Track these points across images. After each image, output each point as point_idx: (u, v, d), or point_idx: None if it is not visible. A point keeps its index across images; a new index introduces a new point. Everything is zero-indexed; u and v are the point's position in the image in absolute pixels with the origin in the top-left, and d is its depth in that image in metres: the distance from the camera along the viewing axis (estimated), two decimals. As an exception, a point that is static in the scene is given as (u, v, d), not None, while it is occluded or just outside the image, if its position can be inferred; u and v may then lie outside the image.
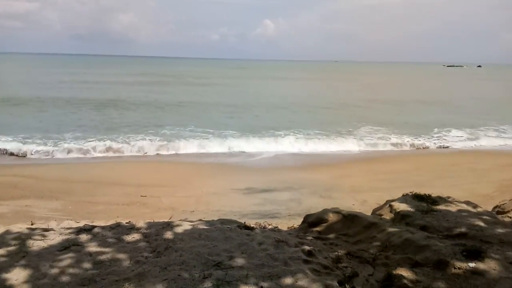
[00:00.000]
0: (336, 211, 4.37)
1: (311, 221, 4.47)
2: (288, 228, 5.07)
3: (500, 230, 3.70)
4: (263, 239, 3.41)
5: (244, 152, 13.37)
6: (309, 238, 3.96)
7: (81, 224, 4.14)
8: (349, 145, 14.50)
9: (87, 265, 2.89)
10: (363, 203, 8.08)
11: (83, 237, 3.42)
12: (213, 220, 4.00)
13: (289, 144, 14.36)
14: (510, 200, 4.92)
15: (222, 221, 3.89)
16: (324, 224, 4.30)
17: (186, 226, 3.63)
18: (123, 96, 27.69)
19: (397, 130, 17.15)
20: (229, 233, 3.47)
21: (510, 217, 4.53)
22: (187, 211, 6.98)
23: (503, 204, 4.89)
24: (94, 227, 3.66)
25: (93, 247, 3.18)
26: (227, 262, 2.92)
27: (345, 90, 39.38)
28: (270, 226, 4.84)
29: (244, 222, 4.65)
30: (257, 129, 16.84)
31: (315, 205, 7.65)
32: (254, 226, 4.32)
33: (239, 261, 2.94)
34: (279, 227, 5.09)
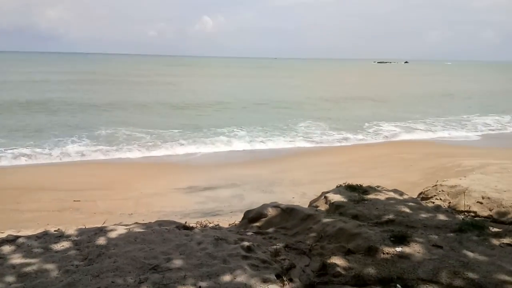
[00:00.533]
0: (275, 206, 4.44)
1: (251, 217, 4.51)
2: (229, 225, 5.08)
3: (423, 215, 3.99)
4: (202, 238, 3.38)
5: (186, 151, 13.16)
6: (249, 233, 3.98)
7: (5, 234, 3.82)
8: (289, 140, 14.84)
9: (10, 278, 2.67)
10: (302, 196, 8.32)
11: (6, 248, 3.16)
12: (151, 222, 3.88)
13: (232, 141, 14.38)
14: (433, 186, 5.33)
15: (160, 223, 3.79)
16: (264, 219, 4.36)
17: (121, 230, 3.49)
18: (51, 96, 25.88)
19: (334, 125, 17.86)
20: (167, 234, 3.39)
21: (433, 202, 4.91)
22: (125, 214, 6.72)
23: (426, 191, 5.28)
24: (18, 237, 3.39)
25: (17, 259, 2.95)
26: (165, 264, 2.85)
27: (284, 86, 40.20)
28: (211, 225, 4.81)
29: (186, 222, 4.58)
30: (199, 127, 16.66)
31: (257, 200, 7.75)
32: (194, 225, 4.26)
33: (177, 262, 2.89)
34: (220, 224, 5.09)
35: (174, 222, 3.89)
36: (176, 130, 15.86)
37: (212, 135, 15.29)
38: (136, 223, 3.87)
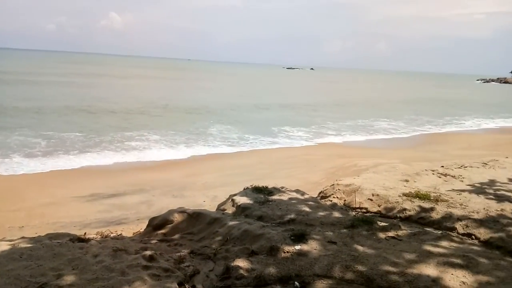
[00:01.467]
0: (181, 211, 4.35)
1: (157, 224, 4.36)
2: (133, 234, 4.84)
3: (321, 213, 4.24)
4: (99, 250, 3.15)
5: (87, 156, 12.25)
6: (154, 241, 3.84)
7: None
8: (201, 144, 14.72)
9: None
10: (213, 199, 8.29)
11: None
12: (40, 236, 3.52)
13: (140, 146, 13.79)
14: (331, 185, 5.69)
15: (51, 236, 3.46)
16: (170, 225, 4.24)
17: (4, 246, 3.10)
18: None
19: (245, 129, 18.14)
20: (58, 248, 3.09)
21: (331, 201, 5.25)
22: (14, 228, 6.01)
23: (325, 190, 5.63)
24: None
25: None
26: (54, 281, 2.60)
27: (198, 90, 39.86)
28: (112, 234, 4.53)
29: (84, 233, 4.25)
30: (103, 131, 15.66)
31: (167, 206, 7.51)
32: (93, 236, 3.97)
33: (69, 278, 2.65)
34: (124, 233, 4.82)
35: (68, 235, 3.58)
36: (80, 134, 14.72)
37: (120, 139, 14.49)
38: (23, 237, 3.47)
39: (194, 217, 4.19)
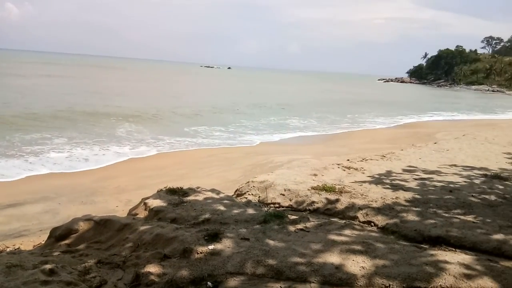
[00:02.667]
0: (88, 219, 4.07)
1: (60, 234, 4.02)
2: (34, 246, 4.41)
3: (235, 211, 4.29)
4: (-12, 269, 2.81)
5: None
6: (56, 253, 3.54)
7: None
8: (114, 146, 13.93)
9: None
10: (127, 203, 7.90)
11: None
12: None
13: (43, 150, 12.60)
14: (246, 183, 5.80)
15: None
16: (74, 235, 3.94)
17: None
18: None
19: (160, 130, 17.56)
20: None
21: (246, 198, 5.34)
22: None
23: (241, 187, 5.71)
24: None
25: None
26: None
27: (102, 89, 37.65)
28: (9, 249, 4.08)
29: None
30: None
31: (75, 213, 6.97)
32: (-17, 254, 3.53)
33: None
34: (22, 247, 4.38)
35: (-50, 255, 3.13)
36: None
37: (19, 143, 13.09)
38: None
39: (102, 224, 3.95)
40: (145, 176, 10.35)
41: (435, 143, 11.49)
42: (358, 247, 3.28)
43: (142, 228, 3.72)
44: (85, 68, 79.88)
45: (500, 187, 5.74)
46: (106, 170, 11.13)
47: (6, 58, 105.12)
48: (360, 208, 4.48)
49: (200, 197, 4.73)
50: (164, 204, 4.40)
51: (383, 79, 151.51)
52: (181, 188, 4.99)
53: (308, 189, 5.19)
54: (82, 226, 3.96)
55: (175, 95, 35.23)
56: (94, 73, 64.62)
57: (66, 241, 3.84)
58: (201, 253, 3.17)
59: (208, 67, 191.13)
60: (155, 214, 4.23)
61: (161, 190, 4.99)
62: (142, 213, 4.40)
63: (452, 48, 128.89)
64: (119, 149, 13.54)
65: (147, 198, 4.70)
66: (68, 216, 6.93)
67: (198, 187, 5.21)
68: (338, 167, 6.82)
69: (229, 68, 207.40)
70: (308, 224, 3.90)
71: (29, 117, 18.09)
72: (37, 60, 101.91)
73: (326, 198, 4.83)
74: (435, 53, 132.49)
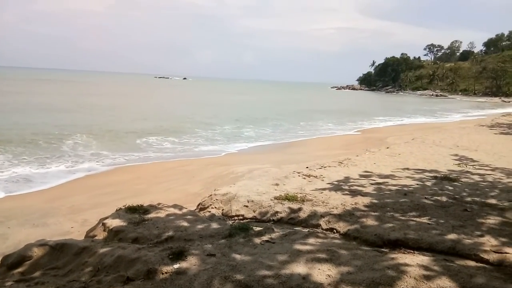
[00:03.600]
0: (42, 244, 3.83)
1: (12, 262, 3.75)
2: (-19, 277, 4.07)
3: (199, 226, 4.22)
4: None
5: None
6: (9, 283, 3.29)
7: None
8: (60, 162, 13.24)
9: None
10: (83, 224, 7.54)
11: None
12: None
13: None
14: (209, 196, 5.73)
15: None
16: (28, 262, 3.69)
17: None
18: None
19: (108, 144, 16.92)
20: None
21: (209, 212, 5.28)
22: None
23: (204, 201, 5.63)
24: None
25: None
26: None
27: (50, 103, 35.97)
28: (-48, 283, 3.73)
29: None
30: None
31: (26, 238, 6.54)
32: None
33: None
34: (-32, 279, 4.02)
35: None
36: None
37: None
38: None
39: (58, 249, 3.74)
40: (100, 194, 9.95)
41: (387, 148, 12.01)
42: (323, 255, 3.34)
43: (102, 250, 3.56)
44: (30, 83, 75.93)
45: (450, 188, 6.09)
46: (57, 189, 10.57)
47: None
48: (322, 216, 4.57)
49: (162, 214, 4.61)
50: (124, 224, 4.24)
51: (336, 87, 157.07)
52: (142, 206, 4.84)
53: (271, 199, 5.22)
54: (36, 252, 3.72)
55: (125, 106, 34.31)
56: (39, 88, 61.48)
57: (20, 269, 3.59)
58: (166, 273, 3.08)
59: (163, 77, 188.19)
60: (115, 234, 4.06)
61: (120, 208, 4.81)
62: (101, 234, 4.21)
63: (398, 55, 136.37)
64: (69, 166, 12.92)
65: (106, 218, 4.51)
66: (19, 241, 6.50)
67: (159, 204, 5.07)
68: (299, 175, 6.93)
69: (184, 78, 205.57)
70: (273, 235, 3.92)
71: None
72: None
73: (289, 208, 4.88)
74: (382, 61, 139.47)
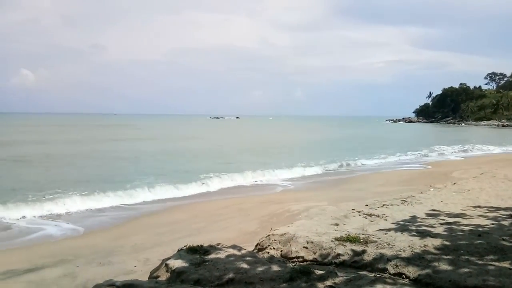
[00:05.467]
0: (110, 284, 3.95)
1: (82, 302, 3.89)
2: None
3: (260, 269, 4.14)
4: None
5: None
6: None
7: None
8: (124, 199, 13.92)
9: None
10: (145, 263, 7.74)
11: None
12: None
13: (58, 203, 12.61)
14: (267, 236, 5.65)
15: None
16: (97, 302, 3.80)
17: None
18: None
19: (177, 180, 17.53)
20: None
21: (268, 253, 5.18)
22: None
23: (261, 241, 5.55)
24: None
25: None
26: None
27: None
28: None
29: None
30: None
31: (93, 276, 6.84)
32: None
33: None
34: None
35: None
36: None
37: (33, 198, 13.15)
38: None
39: (125, 290, 3.82)
40: (161, 233, 10.22)
41: (454, 183, 11.25)
42: (394, 304, 3.10)
43: (166, 292, 3.59)
44: (85, 129, 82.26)
45: (531, 228, 5.50)
46: (119, 227, 11.03)
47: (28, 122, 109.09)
48: (388, 259, 4.29)
49: (221, 255, 4.59)
50: (186, 265, 4.28)
51: (391, 120, 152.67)
52: (202, 246, 4.86)
53: (332, 240, 5.02)
54: (105, 293, 3.83)
55: (181, 147, 35.71)
56: (98, 133, 66.35)
57: (88, 310, 3.71)
58: (229, 318, 3.02)
59: (215, 118, 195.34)
60: (177, 275, 4.10)
61: (182, 249, 4.86)
62: (163, 275, 4.27)
63: (456, 85, 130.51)
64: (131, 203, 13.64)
65: (168, 258, 4.58)
66: (86, 279, 6.80)
67: (218, 244, 5.08)
68: (359, 215, 6.65)
69: (237, 117, 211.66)
70: (337, 280, 3.73)
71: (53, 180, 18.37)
72: (52, 123, 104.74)
73: (352, 250, 4.66)
74: (439, 91, 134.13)
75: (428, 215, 6.34)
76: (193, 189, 15.92)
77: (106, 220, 11.77)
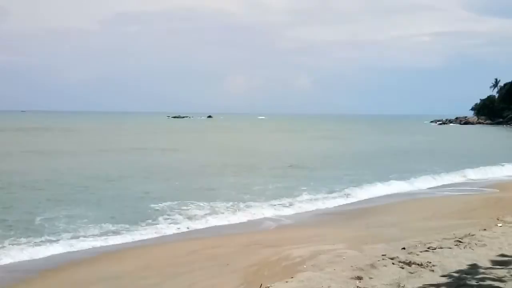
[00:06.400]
0: None
1: None
2: None
3: None
4: None
5: None
6: None
7: None
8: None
9: None
10: None
11: None
12: None
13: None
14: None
15: None
16: None
17: None
18: None
19: (105, 214, 17.28)
20: None
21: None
22: None
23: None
24: None
25: None
26: None
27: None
28: None
29: None
30: None
31: None
32: None
33: None
34: None
35: None
36: None
37: None
38: None
39: None
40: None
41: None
42: None
43: None
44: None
45: None
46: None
47: None
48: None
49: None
50: None
51: (438, 121, 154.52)
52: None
53: (353, 304, 5.00)
54: None
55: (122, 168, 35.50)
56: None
57: None
58: None
59: (178, 117, 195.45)
60: None
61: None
62: None
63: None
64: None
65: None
66: None
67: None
68: (393, 263, 6.68)
69: (209, 116, 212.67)
70: None
71: None
72: None
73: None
74: (510, 79, 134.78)
75: (496, 263, 6.39)
76: (144, 231, 15.65)
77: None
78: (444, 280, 5.80)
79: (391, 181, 25.41)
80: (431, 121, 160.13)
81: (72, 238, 14.45)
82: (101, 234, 14.94)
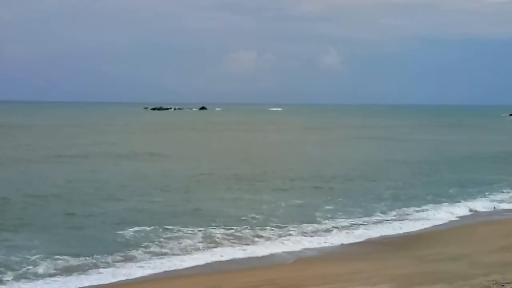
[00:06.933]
0: None
1: None
2: None
3: None
4: None
5: None
6: None
7: None
8: None
9: None
10: None
11: None
12: None
13: None
14: None
15: None
16: None
17: None
18: None
19: (64, 247, 17.18)
20: None
21: None
22: None
23: None
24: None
25: None
26: None
27: None
28: None
29: None
30: None
31: None
32: None
33: None
34: None
35: None
36: None
37: None
38: None
39: None
40: None
41: None
42: None
43: None
44: None
45: None
46: None
47: None
48: None
49: None
50: None
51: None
52: None
53: None
54: None
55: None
56: None
57: None
58: None
59: (160, 108, 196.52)
60: None
61: None
62: None
63: None
64: None
65: None
66: None
67: None
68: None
69: (202, 108, 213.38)
70: None
71: None
72: None
73: None
74: None
75: None
76: (107, 272, 15.34)
77: None
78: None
79: (453, 197, 25.40)
80: (510, 114, 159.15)
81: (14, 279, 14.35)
82: (50, 275, 14.67)
